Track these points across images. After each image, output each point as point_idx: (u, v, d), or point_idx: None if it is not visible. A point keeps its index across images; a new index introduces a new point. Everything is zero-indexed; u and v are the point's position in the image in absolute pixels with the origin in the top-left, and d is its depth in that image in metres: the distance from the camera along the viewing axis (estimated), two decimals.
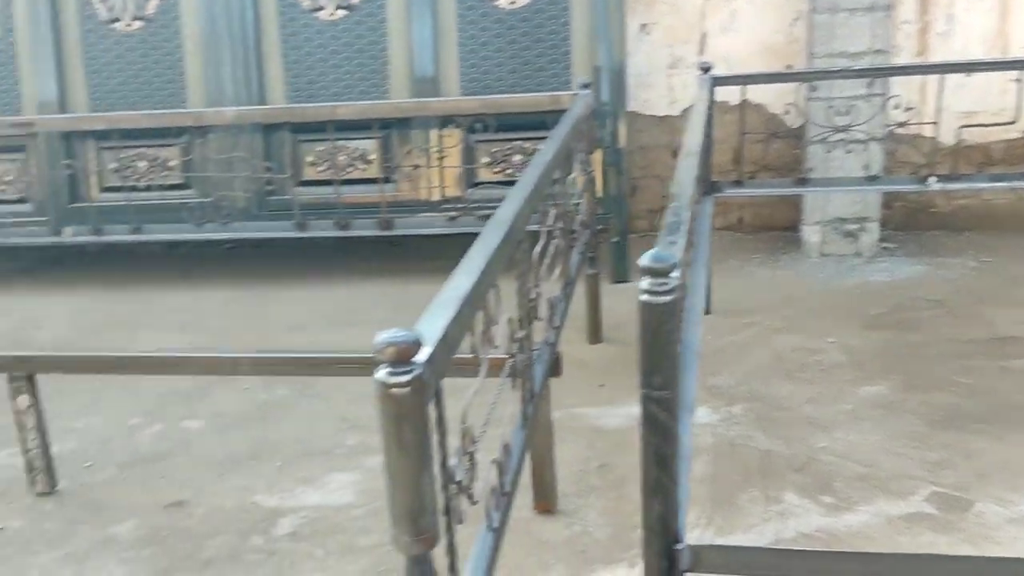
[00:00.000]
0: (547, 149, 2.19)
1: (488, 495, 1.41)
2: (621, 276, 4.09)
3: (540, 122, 3.99)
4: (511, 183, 3.99)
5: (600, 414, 2.91)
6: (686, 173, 1.81)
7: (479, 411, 1.52)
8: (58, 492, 2.54)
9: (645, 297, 1.21)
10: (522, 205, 1.67)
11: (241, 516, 2.39)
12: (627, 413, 2.90)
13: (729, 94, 3.82)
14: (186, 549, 2.25)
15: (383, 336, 0.96)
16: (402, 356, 0.96)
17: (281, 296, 4.24)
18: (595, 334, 3.39)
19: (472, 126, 3.92)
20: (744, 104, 3.60)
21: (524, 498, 2.41)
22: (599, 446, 2.70)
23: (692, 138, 2.18)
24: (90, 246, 4.94)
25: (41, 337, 3.82)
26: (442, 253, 4.90)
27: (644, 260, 1.21)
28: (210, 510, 2.42)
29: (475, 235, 1.60)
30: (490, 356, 1.49)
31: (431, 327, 1.07)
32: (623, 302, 3.83)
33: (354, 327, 3.78)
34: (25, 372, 2.42)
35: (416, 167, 3.77)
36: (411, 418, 0.98)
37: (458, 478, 1.22)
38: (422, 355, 1.01)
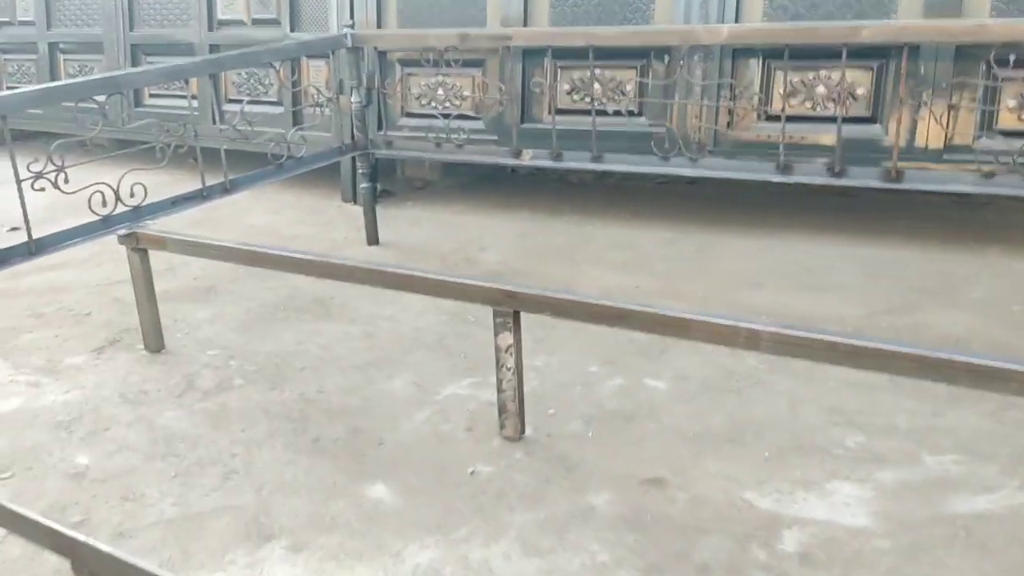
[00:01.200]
0: None
1: None
2: None
3: None
4: None
5: None
6: None
7: None
8: (525, 439, 2.36)
9: None
10: None
11: (732, 515, 2.01)
12: None
13: None
14: (675, 545, 1.92)
15: None
16: None
17: (723, 243, 3.81)
18: None
19: (1001, 58, 3.08)
20: None
21: None
22: None
23: None
24: (522, 168, 4.91)
25: (487, 260, 3.78)
26: (904, 212, 4.16)
27: None
28: (694, 498, 2.07)
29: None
30: None
31: None
32: None
33: (823, 292, 3.23)
34: (512, 308, 2.23)
35: (940, 106, 3.04)
36: None
37: None
38: None
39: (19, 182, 2.59)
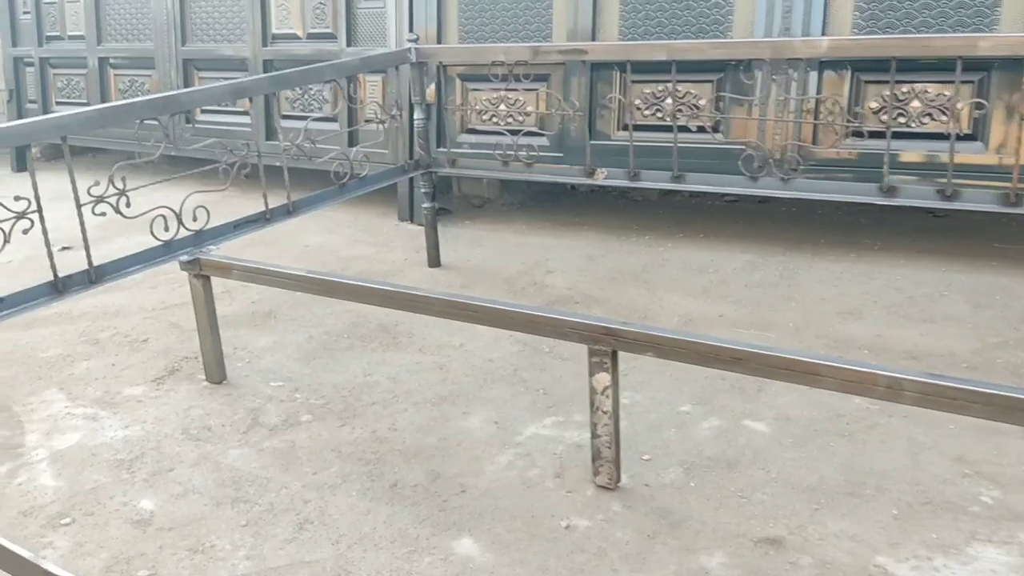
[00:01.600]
0: None
1: None
2: None
3: None
4: None
5: None
6: None
7: None
8: (621, 489, 2.17)
9: None
10: None
11: None
12: None
13: None
14: None
15: None
16: None
17: (809, 267, 3.59)
18: None
19: None
20: None
21: None
22: None
23: None
24: (583, 185, 4.73)
25: (555, 284, 3.60)
26: (1000, 234, 3.87)
27: None
28: (820, 562, 1.87)
29: None
30: None
31: None
32: None
33: (927, 323, 3.01)
34: (610, 347, 2.04)
35: None
36: None
37: None
38: None
39: (79, 206, 2.46)
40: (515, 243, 4.17)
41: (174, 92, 2.83)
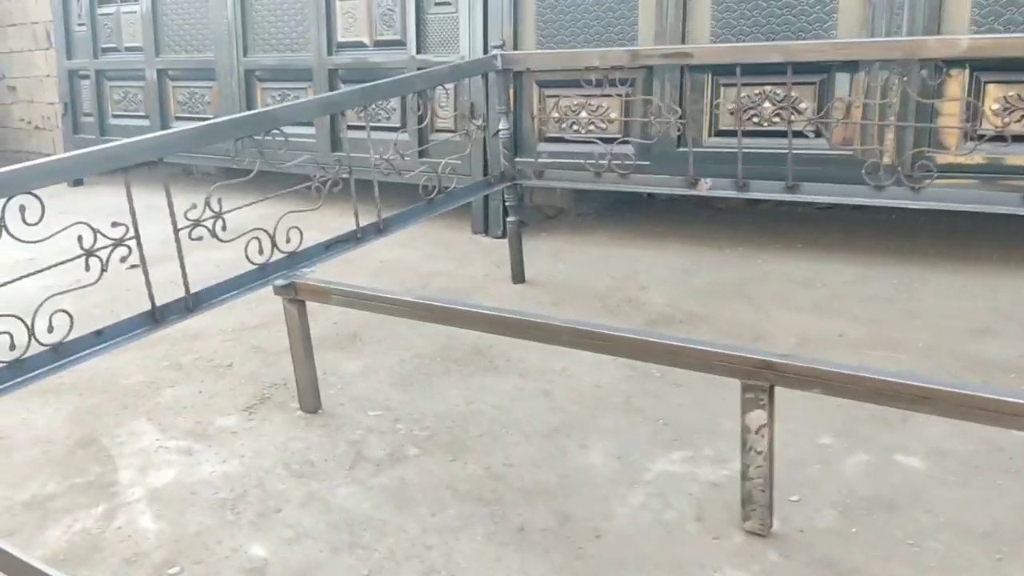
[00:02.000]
0: None
1: None
2: None
3: None
4: None
5: None
6: None
7: None
8: (773, 535, 1.98)
9: None
10: None
11: None
12: None
13: None
14: None
15: None
16: None
17: (927, 280, 3.37)
18: None
19: None
20: None
21: None
22: None
23: None
24: (660, 193, 4.54)
25: (653, 301, 3.41)
26: None
27: None
28: None
29: None
30: None
31: None
32: None
33: None
34: (768, 383, 1.86)
35: None
36: None
37: None
38: None
39: (176, 231, 2.32)
40: (598, 256, 3.99)
41: (270, 108, 2.71)
